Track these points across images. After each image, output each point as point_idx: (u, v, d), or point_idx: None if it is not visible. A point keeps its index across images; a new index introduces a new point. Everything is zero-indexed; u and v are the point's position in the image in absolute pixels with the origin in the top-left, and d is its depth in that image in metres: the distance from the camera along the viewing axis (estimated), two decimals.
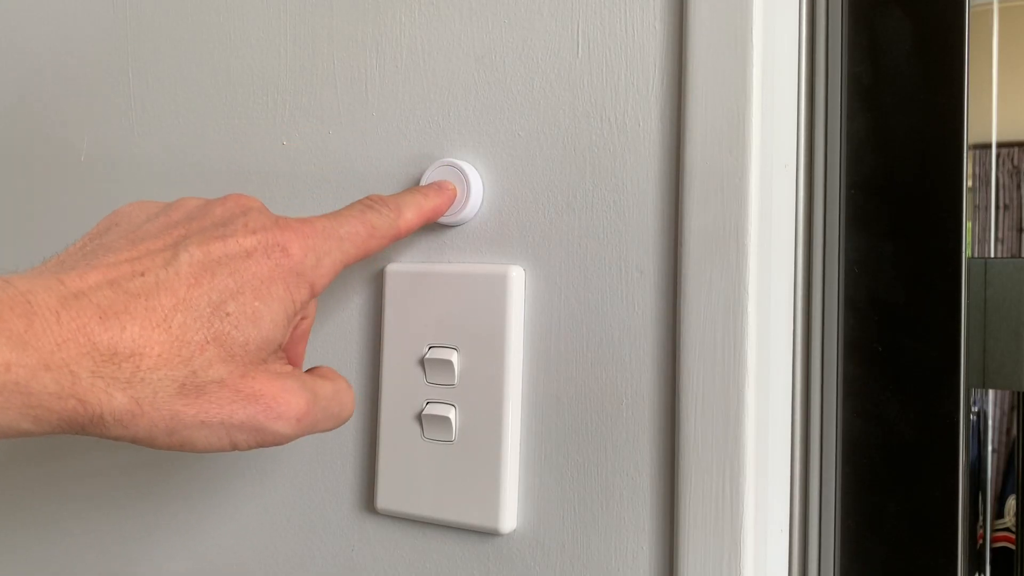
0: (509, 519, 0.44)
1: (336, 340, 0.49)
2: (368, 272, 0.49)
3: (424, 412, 0.45)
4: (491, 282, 0.44)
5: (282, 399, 0.33)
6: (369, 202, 0.39)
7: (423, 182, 0.45)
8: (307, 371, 0.38)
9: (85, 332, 0.29)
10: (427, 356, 0.45)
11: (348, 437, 0.49)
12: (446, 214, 0.45)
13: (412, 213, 0.41)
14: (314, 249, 0.35)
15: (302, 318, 0.40)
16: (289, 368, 0.35)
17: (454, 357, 0.44)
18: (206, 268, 0.32)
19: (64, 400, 0.29)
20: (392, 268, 0.47)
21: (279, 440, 0.34)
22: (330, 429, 0.37)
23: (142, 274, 0.31)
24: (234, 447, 0.33)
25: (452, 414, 0.44)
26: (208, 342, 0.31)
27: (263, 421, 0.33)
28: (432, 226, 0.46)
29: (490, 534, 0.44)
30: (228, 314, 0.32)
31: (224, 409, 0.32)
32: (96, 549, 0.58)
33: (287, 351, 0.40)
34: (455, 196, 0.44)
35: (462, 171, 0.45)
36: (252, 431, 0.33)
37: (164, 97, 0.56)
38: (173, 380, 0.31)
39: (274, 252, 0.34)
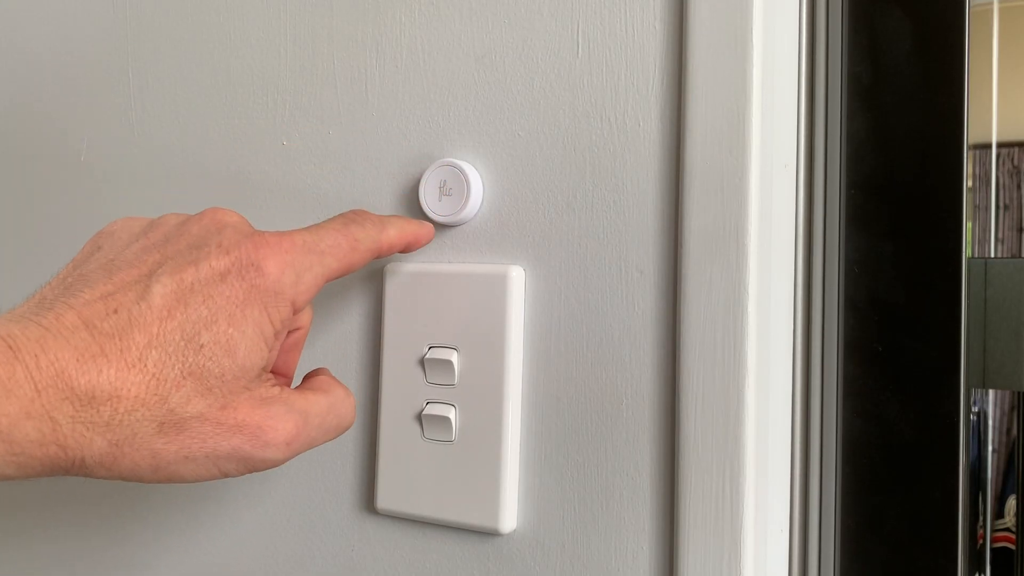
0: (509, 519, 0.44)
1: (336, 340, 0.49)
2: (368, 272, 0.49)
3: (424, 412, 0.45)
4: (491, 282, 0.44)
5: (267, 427, 0.33)
6: (352, 215, 0.39)
7: (423, 182, 0.45)
8: (303, 379, 0.38)
9: (64, 377, 0.29)
10: (427, 356, 0.45)
11: (348, 437, 0.49)
12: (446, 214, 0.45)
13: (395, 231, 0.40)
14: (292, 265, 0.34)
15: (295, 329, 0.39)
16: (276, 391, 0.34)
17: (454, 357, 0.44)
18: (179, 299, 0.32)
19: (46, 447, 0.29)
20: (392, 268, 0.47)
21: (271, 465, 0.33)
22: (331, 439, 0.37)
23: (115, 311, 0.31)
24: (225, 475, 0.33)
25: (452, 414, 0.44)
26: (184, 377, 0.31)
27: (249, 451, 0.32)
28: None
29: (490, 534, 0.44)
30: (202, 346, 0.31)
31: (207, 443, 0.31)
32: (95, 549, 0.58)
33: (278, 363, 0.39)
34: (432, 234, 0.43)
35: (462, 171, 0.45)
36: (239, 461, 0.32)
37: (164, 97, 0.56)
38: (152, 420, 0.30)
39: (248, 272, 0.33)
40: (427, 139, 0.47)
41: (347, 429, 0.38)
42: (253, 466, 0.33)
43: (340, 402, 0.37)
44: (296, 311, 0.35)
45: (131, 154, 0.57)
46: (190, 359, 0.31)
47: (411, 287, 0.46)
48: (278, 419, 0.33)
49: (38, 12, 0.62)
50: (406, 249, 0.42)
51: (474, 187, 0.45)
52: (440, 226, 0.46)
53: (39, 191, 0.61)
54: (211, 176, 0.54)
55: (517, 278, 0.44)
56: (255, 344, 0.33)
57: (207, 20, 0.55)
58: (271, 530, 0.51)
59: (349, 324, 0.49)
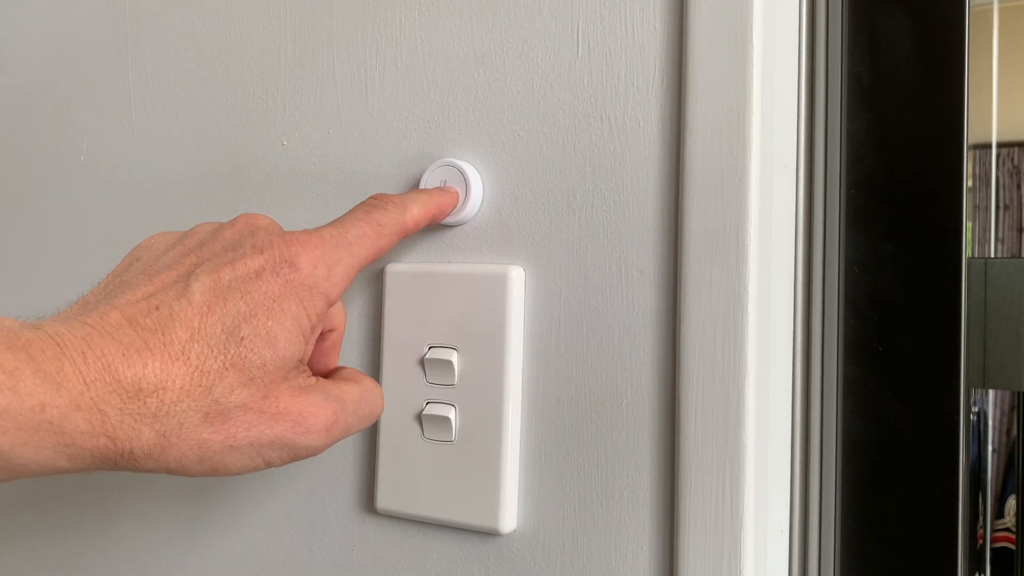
0: (509, 519, 0.44)
1: None
2: (368, 272, 0.49)
3: (424, 412, 0.45)
4: (491, 282, 0.44)
5: (308, 413, 0.34)
6: (374, 201, 0.40)
7: (423, 182, 0.45)
8: (330, 375, 0.39)
9: (111, 370, 0.30)
10: (427, 356, 0.45)
11: (348, 437, 0.49)
12: (446, 214, 0.45)
13: (418, 208, 0.41)
14: (324, 259, 0.35)
15: (330, 330, 0.40)
16: (312, 381, 0.35)
17: (454, 357, 0.44)
18: (218, 295, 0.33)
19: (96, 438, 0.30)
20: (392, 268, 0.47)
21: (312, 452, 0.35)
22: (364, 428, 0.38)
23: (157, 308, 0.32)
24: (269, 465, 0.34)
25: (452, 414, 0.44)
26: (227, 368, 0.32)
27: (292, 437, 0.33)
28: (432, 226, 0.46)
29: (490, 534, 0.44)
30: (243, 338, 0.32)
31: (252, 431, 0.32)
32: (94, 550, 0.58)
33: (317, 365, 0.41)
34: (458, 197, 0.44)
35: (462, 171, 0.45)
36: (283, 448, 0.33)
37: (164, 97, 0.56)
38: (197, 410, 0.31)
39: (283, 269, 0.34)
40: (427, 139, 0.47)
41: (378, 417, 0.39)
42: (295, 453, 0.34)
43: (370, 391, 0.38)
44: (330, 304, 0.36)
45: (131, 154, 0.57)
46: (231, 351, 0.32)
47: (411, 287, 0.46)
48: (317, 406, 0.34)
49: (38, 12, 0.62)
50: (434, 221, 0.43)
51: (474, 187, 0.45)
52: (440, 226, 0.46)
53: (39, 191, 0.61)
54: (211, 176, 0.54)
55: (517, 278, 0.44)
56: (293, 336, 0.34)
57: (207, 20, 0.55)
58: (271, 530, 0.51)
59: (349, 324, 0.49)
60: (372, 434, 0.48)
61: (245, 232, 0.36)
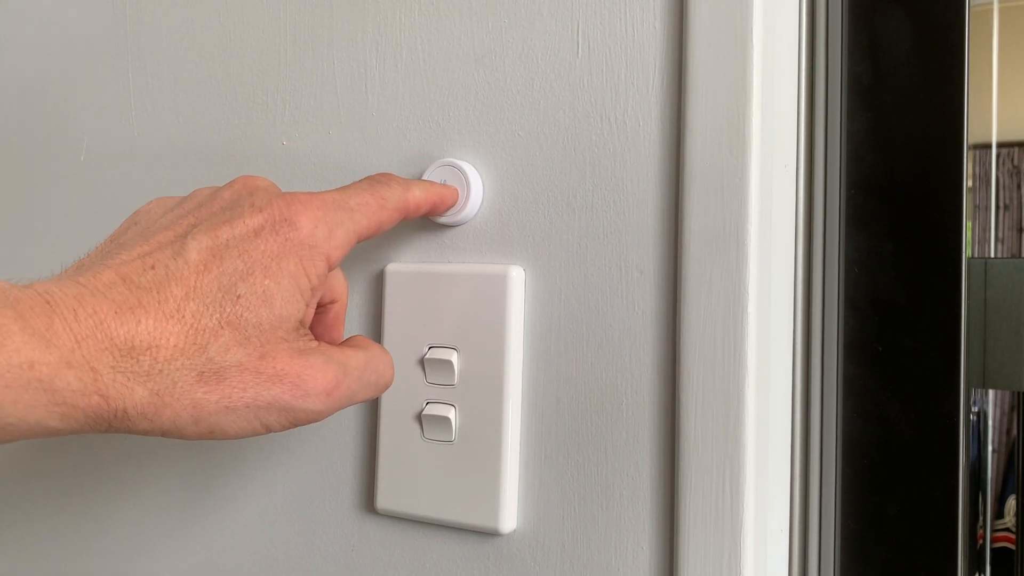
0: (509, 519, 0.44)
1: None
2: (368, 272, 0.49)
3: (424, 412, 0.45)
4: (491, 282, 0.44)
5: (307, 376, 0.33)
6: (378, 177, 0.39)
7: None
8: (340, 344, 0.38)
9: (103, 328, 0.29)
10: (427, 356, 0.45)
11: (348, 437, 0.49)
12: (446, 214, 0.45)
13: (420, 191, 0.41)
14: (324, 220, 0.35)
15: (331, 301, 0.39)
16: (314, 344, 0.34)
17: (454, 357, 0.44)
18: (214, 253, 0.32)
19: (88, 396, 0.29)
20: (392, 268, 0.47)
21: (313, 417, 0.34)
22: (371, 398, 0.37)
23: (152, 267, 0.32)
24: (268, 429, 0.33)
25: (452, 414, 0.44)
26: (222, 327, 0.31)
27: (290, 400, 0.32)
28: (432, 226, 0.46)
29: (490, 534, 0.44)
30: (239, 296, 0.32)
31: (248, 392, 0.32)
32: (94, 550, 0.58)
33: (322, 339, 0.39)
34: (458, 194, 0.44)
35: (462, 171, 0.44)
36: (281, 411, 0.33)
37: (164, 97, 0.56)
38: (191, 368, 0.31)
39: (282, 227, 0.34)
40: (427, 139, 0.47)
41: (387, 386, 0.38)
42: (294, 417, 0.33)
43: (377, 357, 0.37)
44: (330, 265, 0.35)
45: (131, 154, 0.57)
46: (227, 309, 0.32)
47: (411, 287, 0.46)
48: (317, 368, 0.33)
49: (38, 12, 0.62)
50: (432, 212, 0.43)
51: (474, 187, 0.45)
52: (440, 226, 0.46)
53: (40, 190, 0.61)
54: (211, 176, 0.54)
55: (517, 278, 0.44)
56: (291, 295, 0.33)
57: (207, 20, 0.55)
58: (271, 530, 0.51)
59: (349, 324, 0.49)
60: (372, 434, 0.48)
61: (244, 192, 0.35)
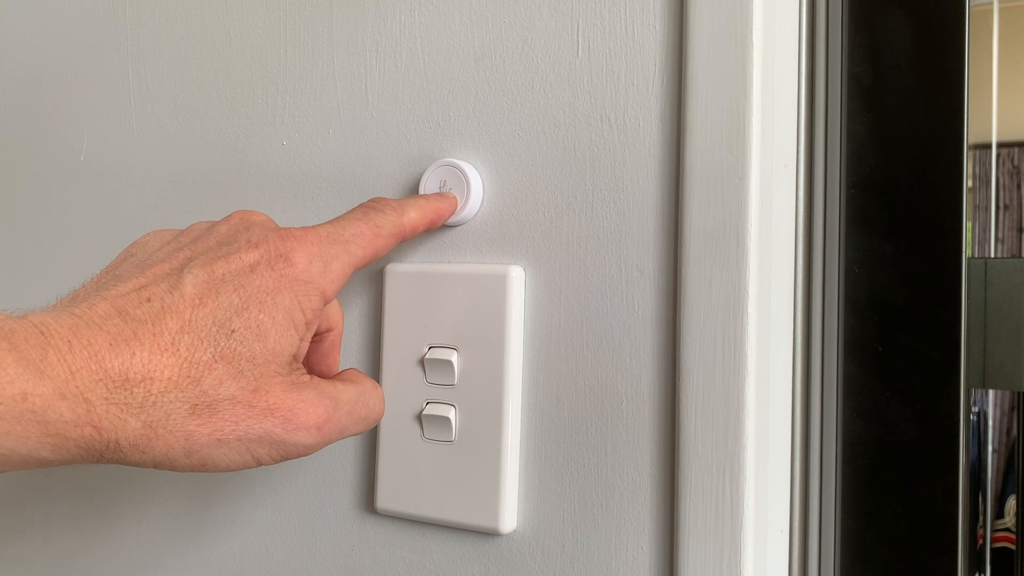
0: (509, 519, 0.44)
1: None
2: (368, 272, 0.49)
3: (424, 412, 0.45)
4: (491, 282, 0.44)
5: (299, 410, 0.33)
6: (372, 203, 0.39)
7: (423, 182, 0.45)
8: (332, 378, 0.38)
9: (97, 359, 0.29)
10: (427, 356, 0.45)
11: (348, 438, 0.49)
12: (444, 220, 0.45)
13: (415, 213, 0.41)
14: (320, 256, 0.35)
15: (327, 330, 0.40)
16: (307, 378, 0.34)
17: (454, 357, 0.44)
18: (210, 288, 0.33)
19: (80, 428, 0.29)
20: (392, 268, 0.47)
21: (303, 451, 0.34)
22: (361, 432, 0.37)
23: (148, 300, 0.32)
24: (259, 463, 0.33)
25: (452, 414, 0.44)
26: (216, 360, 0.31)
27: (281, 434, 0.33)
28: (431, 231, 0.46)
29: (490, 534, 0.44)
30: (233, 331, 0.32)
31: (240, 425, 0.32)
32: (93, 551, 0.58)
33: (318, 367, 0.40)
34: (456, 203, 0.44)
35: (462, 171, 0.44)
36: (272, 445, 0.33)
37: (164, 97, 0.56)
38: (185, 401, 0.31)
39: (277, 263, 0.34)
40: (427, 139, 0.47)
41: (377, 421, 0.38)
42: (285, 451, 0.33)
43: (368, 392, 0.37)
44: (326, 300, 0.35)
45: (131, 154, 0.57)
46: (222, 343, 0.32)
47: (411, 287, 0.46)
48: (309, 403, 0.33)
49: (38, 12, 0.62)
50: (432, 226, 0.43)
51: (474, 187, 0.45)
52: (440, 226, 0.46)
53: (40, 190, 0.61)
54: (211, 176, 0.54)
55: (517, 278, 0.44)
56: (285, 330, 0.33)
57: (207, 20, 0.55)
58: (271, 530, 0.51)
59: (349, 324, 0.49)
60: (372, 434, 0.48)
61: (240, 227, 0.36)
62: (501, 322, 0.43)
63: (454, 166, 0.45)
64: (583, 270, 0.43)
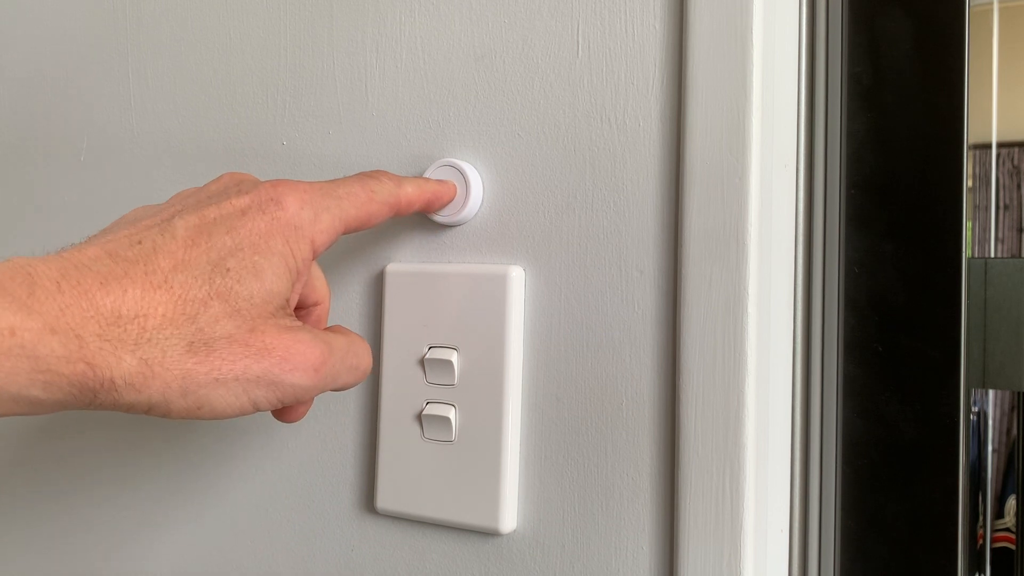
0: (509, 519, 0.44)
1: None
2: (368, 272, 0.49)
3: (424, 412, 0.45)
4: (491, 282, 0.44)
5: (296, 350, 0.33)
6: (370, 172, 0.39)
7: None
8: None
9: (87, 297, 0.29)
10: (427, 356, 0.45)
11: (348, 437, 0.49)
12: (446, 214, 0.45)
13: (412, 188, 0.40)
14: (311, 203, 0.35)
15: (315, 303, 0.39)
16: (299, 323, 0.34)
17: (454, 357, 0.44)
18: (202, 230, 0.32)
19: (73, 364, 0.28)
20: (392, 268, 0.47)
21: (299, 394, 0.33)
22: (351, 385, 0.37)
23: (139, 242, 0.31)
24: (255, 406, 0.33)
25: (452, 414, 0.44)
26: (211, 298, 0.31)
27: (279, 374, 0.32)
28: (432, 226, 0.46)
29: (490, 534, 0.44)
30: (228, 269, 0.32)
31: (237, 364, 0.31)
32: (92, 550, 0.58)
33: None
34: (455, 191, 0.44)
35: (462, 171, 0.45)
36: (269, 386, 0.32)
37: (164, 97, 0.56)
38: (181, 338, 0.30)
39: (269, 206, 0.34)
40: (427, 139, 0.47)
41: (366, 373, 0.37)
42: (283, 393, 0.33)
43: (357, 343, 0.37)
44: (315, 252, 0.35)
45: (131, 154, 0.57)
46: (217, 281, 0.31)
47: (411, 287, 0.46)
48: (306, 344, 0.33)
49: (38, 12, 0.62)
50: (427, 208, 0.43)
51: (474, 187, 0.45)
52: (440, 226, 0.46)
53: (40, 190, 0.61)
54: (211, 176, 0.54)
55: (517, 278, 0.44)
56: (280, 272, 0.33)
57: (207, 20, 0.55)
58: (271, 530, 0.51)
59: (349, 324, 0.49)
60: (372, 434, 0.48)
61: (230, 183, 0.36)
62: (501, 322, 0.43)
63: (454, 166, 0.45)
64: (583, 270, 0.43)
